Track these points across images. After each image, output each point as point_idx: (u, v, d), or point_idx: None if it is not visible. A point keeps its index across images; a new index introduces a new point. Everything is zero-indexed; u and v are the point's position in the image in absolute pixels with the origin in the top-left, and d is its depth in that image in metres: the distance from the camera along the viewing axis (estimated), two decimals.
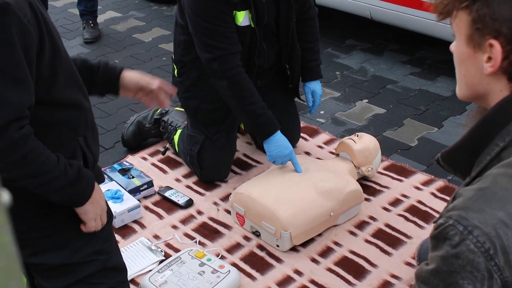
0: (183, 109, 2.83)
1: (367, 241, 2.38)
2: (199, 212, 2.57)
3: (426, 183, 2.68)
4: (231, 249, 2.36)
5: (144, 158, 2.93)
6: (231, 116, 2.64)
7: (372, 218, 2.49)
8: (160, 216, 2.55)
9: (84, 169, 1.55)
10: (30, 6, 1.35)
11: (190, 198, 2.63)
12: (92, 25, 4.32)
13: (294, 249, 2.34)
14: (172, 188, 2.69)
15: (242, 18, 2.42)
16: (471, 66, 1.13)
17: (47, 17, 1.43)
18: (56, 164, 1.45)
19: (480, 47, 1.09)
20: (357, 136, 2.66)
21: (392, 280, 2.17)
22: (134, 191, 2.62)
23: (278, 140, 2.46)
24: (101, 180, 1.72)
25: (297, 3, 2.56)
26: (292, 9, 2.54)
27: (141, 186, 2.65)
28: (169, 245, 2.39)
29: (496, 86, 1.10)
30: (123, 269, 1.79)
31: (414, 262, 2.24)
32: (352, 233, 2.42)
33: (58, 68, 1.45)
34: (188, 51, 2.58)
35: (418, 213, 2.51)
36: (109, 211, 1.71)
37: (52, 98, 1.47)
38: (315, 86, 2.79)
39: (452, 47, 1.18)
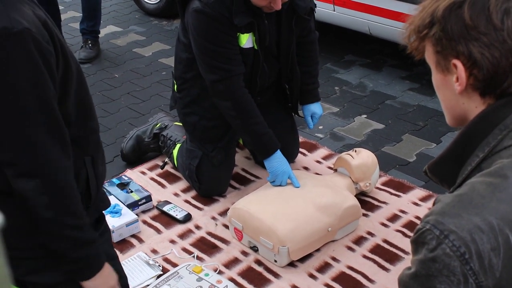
0: (182, 124, 2.84)
1: (365, 256, 2.38)
2: (197, 227, 2.57)
3: (424, 199, 2.68)
4: (229, 264, 2.36)
5: (143, 173, 2.94)
6: (229, 134, 2.66)
7: (370, 233, 2.50)
8: (158, 231, 2.56)
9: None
10: (45, 26, 1.37)
11: (189, 213, 2.63)
12: (90, 45, 4.25)
13: (292, 264, 2.34)
14: (171, 203, 2.70)
15: (246, 40, 2.44)
16: (446, 90, 1.17)
17: (61, 38, 1.45)
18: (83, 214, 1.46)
19: (448, 70, 1.13)
20: (355, 151, 2.66)
21: None
22: (132, 206, 2.62)
23: (279, 157, 2.51)
24: (106, 205, 1.69)
25: (298, 28, 2.58)
26: (293, 33, 2.56)
27: (140, 200, 2.66)
28: (167, 260, 2.39)
29: (471, 104, 1.14)
30: (121, 276, 1.79)
31: None
32: (350, 248, 2.42)
33: (69, 87, 1.46)
34: (189, 68, 2.59)
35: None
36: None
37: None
38: (315, 108, 2.80)
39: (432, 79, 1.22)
